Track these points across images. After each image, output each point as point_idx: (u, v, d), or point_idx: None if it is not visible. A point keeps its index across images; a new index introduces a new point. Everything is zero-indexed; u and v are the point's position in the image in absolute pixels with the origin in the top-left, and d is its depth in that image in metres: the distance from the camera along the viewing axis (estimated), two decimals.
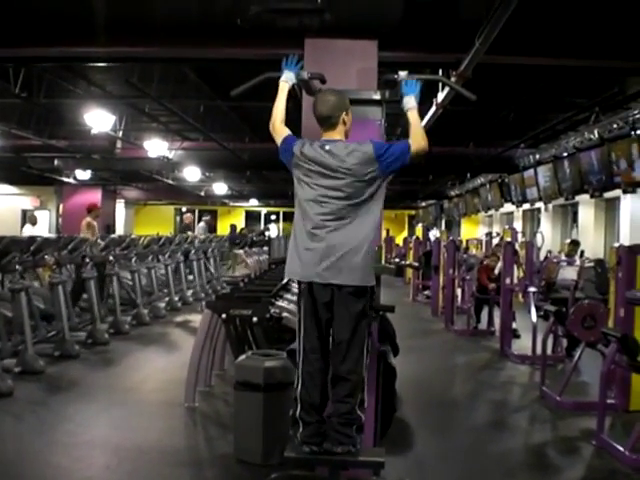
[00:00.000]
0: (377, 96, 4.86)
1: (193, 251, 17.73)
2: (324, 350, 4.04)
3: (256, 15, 6.41)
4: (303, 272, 4.00)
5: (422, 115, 11.09)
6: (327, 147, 4.05)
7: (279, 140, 4.32)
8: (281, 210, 38.77)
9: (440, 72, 8.24)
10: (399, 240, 30.78)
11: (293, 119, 4.78)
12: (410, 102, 4.34)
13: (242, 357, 5.76)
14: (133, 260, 13.78)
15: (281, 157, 4.29)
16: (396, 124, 14.39)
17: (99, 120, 13.68)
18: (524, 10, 6.11)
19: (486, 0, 6.19)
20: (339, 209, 3.96)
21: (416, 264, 18.40)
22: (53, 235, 20.79)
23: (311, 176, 4.04)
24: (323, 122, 4.18)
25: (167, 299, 14.75)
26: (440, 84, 9.36)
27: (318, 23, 6.19)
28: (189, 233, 20.60)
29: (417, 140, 4.17)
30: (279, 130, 4.37)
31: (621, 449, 5.84)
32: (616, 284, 7.64)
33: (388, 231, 33.11)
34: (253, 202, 36.57)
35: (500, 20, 5.83)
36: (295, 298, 6.87)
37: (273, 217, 39.93)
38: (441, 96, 9.58)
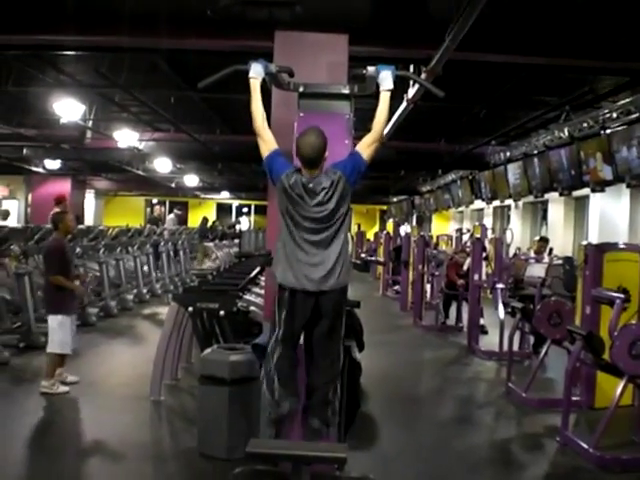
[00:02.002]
0: (346, 90, 4.84)
1: (162, 243, 17.62)
2: (296, 343, 4.46)
3: (226, 7, 6.36)
4: (297, 282, 4.30)
5: (393, 111, 11.15)
6: (311, 185, 4.32)
7: (265, 150, 4.49)
8: (252, 203, 38.61)
9: (411, 68, 8.24)
10: (370, 235, 30.83)
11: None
12: (387, 80, 4.48)
13: (207, 351, 5.73)
14: (101, 252, 13.66)
15: (266, 167, 4.50)
16: (365, 118, 14.39)
17: (68, 109, 13.49)
18: (495, 8, 6.12)
19: None
20: (325, 229, 4.33)
21: (382, 260, 18.45)
22: (20, 225, 20.54)
23: (296, 205, 4.33)
24: (308, 163, 4.36)
25: (135, 291, 14.64)
26: (410, 80, 9.35)
27: (288, 16, 6.14)
28: (159, 225, 20.46)
29: (379, 128, 4.51)
30: (265, 136, 4.52)
31: (585, 446, 5.90)
32: (583, 282, 7.70)
33: (359, 226, 33.17)
34: (225, 195, 36.40)
35: (470, 17, 5.82)
36: (263, 292, 6.87)
37: (245, 210, 39.77)
38: (412, 92, 9.57)
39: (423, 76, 7.51)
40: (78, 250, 11.90)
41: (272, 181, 4.48)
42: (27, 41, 8.08)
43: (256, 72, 4.48)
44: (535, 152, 15.36)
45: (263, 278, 7.72)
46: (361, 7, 4.86)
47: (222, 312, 6.43)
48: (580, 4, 7.13)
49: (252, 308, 6.58)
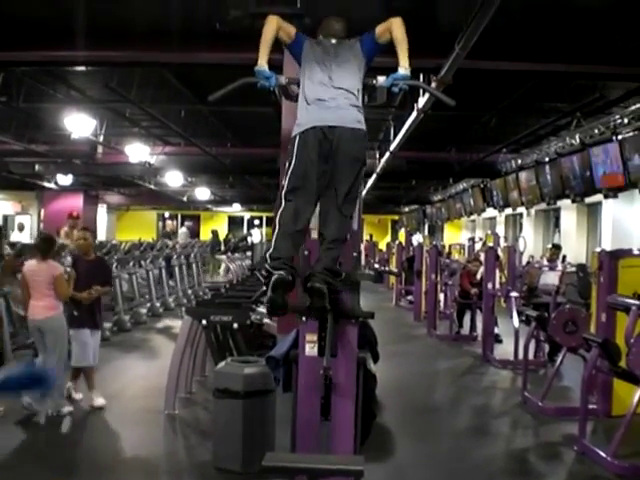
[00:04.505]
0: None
1: (175, 257, 17.64)
2: (309, 196, 4.11)
3: (235, 20, 6.37)
4: (314, 117, 4.16)
5: (404, 120, 11.15)
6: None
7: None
8: (264, 215, 38.67)
9: (421, 77, 8.23)
10: (382, 245, 30.81)
11: (274, 124, 4.74)
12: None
13: (221, 364, 5.72)
14: (114, 266, 13.68)
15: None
16: (374, 130, 14.41)
17: (79, 125, 13.57)
18: (504, 15, 6.12)
19: (465, 5, 6.20)
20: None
21: (395, 270, 18.40)
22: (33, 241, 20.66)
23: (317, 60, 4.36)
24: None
25: (149, 305, 14.65)
26: (421, 89, 9.35)
27: (297, 28, 6.14)
28: (171, 238, 20.54)
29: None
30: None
31: (603, 454, 5.83)
32: (598, 289, 7.64)
33: (371, 236, 33.14)
34: (236, 207, 36.48)
35: (479, 25, 5.82)
36: None
37: (256, 222, 39.83)
38: (422, 101, 9.57)
39: (433, 85, 7.50)
40: None
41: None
42: (38, 57, 8.15)
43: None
44: (546, 159, 15.32)
45: None
46: (369, 17, 4.85)
47: (235, 325, 6.42)
48: (588, 11, 7.12)
49: (265, 320, 6.56)
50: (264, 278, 4.09)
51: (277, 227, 4.09)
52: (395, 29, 4.35)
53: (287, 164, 4.18)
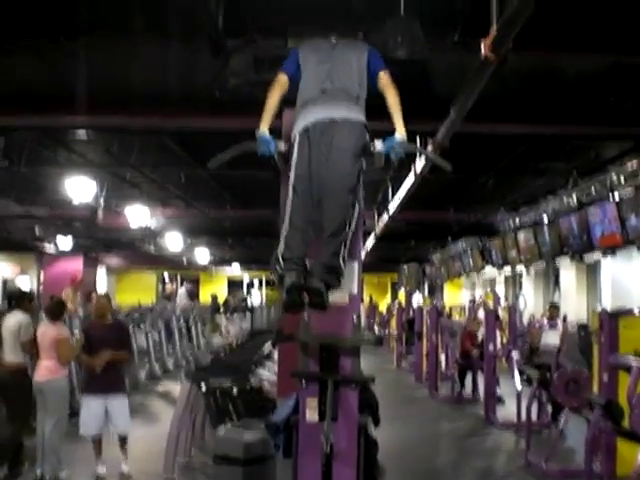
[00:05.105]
0: None
1: (174, 319, 17.58)
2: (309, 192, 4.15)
3: (235, 88, 6.48)
4: (314, 115, 4.25)
5: (402, 182, 11.23)
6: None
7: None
8: (263, 275, 38.61)
9: (417, 141, 8.33)
10: (382, 306, 30.72)
11: (273, 187, 4.80)
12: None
13: (221, 429, 5.66)
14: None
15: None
16: (374, 190, 14.50)
17: (80, 188, 13.66)
18: (499, 80, 6.24)
19: (460, 71, 6.31)
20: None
21: (395, 334, 18.36)
22: None
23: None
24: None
25: (147, 367, 14.54)
26: (418, 153, 9.44)
27: (296, 93, 6.24)
28: (171, 300, 20.52)
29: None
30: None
31: None
32: (599, 348, 7.62)
33: (371, 297, 33.05)
34: (235, 268, 36.47)
35: (475, 90, 5.91)
36: (276, 367, 6.82)
37: (255, 283, 39.75)
38: (419, 165, 9.66)
39: (430, 149, 7.58)
40: None
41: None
42: (39, 122, 8.25)
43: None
44: (544, 218, 15.39)
45: (276, 354, 7.67)
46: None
47: (235, 389, 6.38)
48: (583, 75, 7.24)
49: (265, 384, 6.52)
50: (277, 278, 4.09)
51: (286, 222, 4.12)
52: (389, 97, 4.46)
53: (291, 161, 4.27)
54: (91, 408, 7.27)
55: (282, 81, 4.57)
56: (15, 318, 7.68)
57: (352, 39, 4.66)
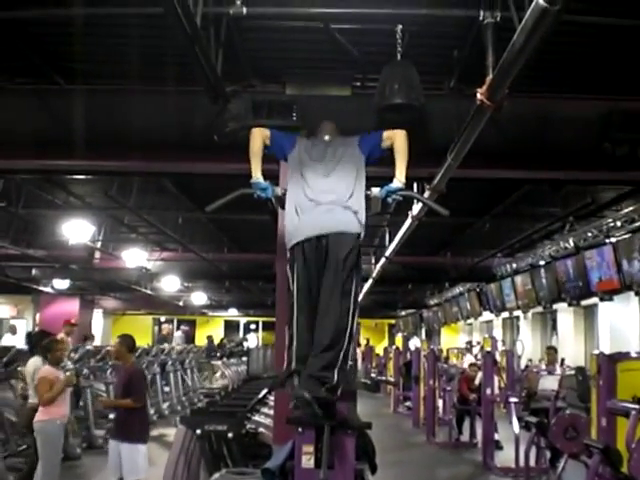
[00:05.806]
0: None
1: (170, 362, 17.46)
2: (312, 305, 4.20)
3: (232, 132, 6.54)
4: (308, 228, 4.25)
5: (399, 226, 11.28)
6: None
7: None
8: (260, 319, 38.47)
9: (414, 186, 8.38)
10: (379, 350, 30.57)
11: (270, 231, 4.81)
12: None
13: (216, 475, 5.60)
14: (108, 372, 13.54)
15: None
16: (371, 235, 14.55)
17: (77, 231, 13.69)
18: (495, 126, 6.30)
19: (456, 116, 6.38)
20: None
21: (393, 380, 18.24)
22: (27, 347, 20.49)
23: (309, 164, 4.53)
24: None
25: None
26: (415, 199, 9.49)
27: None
28: (166, 345, 20.39)
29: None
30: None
31: None
32: (597, 393, 7.56)
33: (368, 340, 32.94)
34: (232, 311, 36.36)
35: (470, 136, 5.96)
36: (272, 412, 6.77)
37: (252, 327, 39.58)
38: (416, 209, 9.71)
39: (427, 194, 7.62)
40: (85, 371, 11.79)
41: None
42: (37, 165, 8.27)
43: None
44: (541, 263, 15.42)
45: (272, 398, 7.61)
46: (363, 128, 5.00)
47: (230, 435, 6.31)
48: (577, 120, 7.31)
49: (261, 430, 6.45)
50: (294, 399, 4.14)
51: (293, 339, 4.19)
52: (397, 140, 4.49)
53: (290, 276, 4.28)
54: (109, 452, 7.27)
55: (265, 133, 4.64)
56: (33, 364, 7.89)
57: (345, 137, 4.69)
